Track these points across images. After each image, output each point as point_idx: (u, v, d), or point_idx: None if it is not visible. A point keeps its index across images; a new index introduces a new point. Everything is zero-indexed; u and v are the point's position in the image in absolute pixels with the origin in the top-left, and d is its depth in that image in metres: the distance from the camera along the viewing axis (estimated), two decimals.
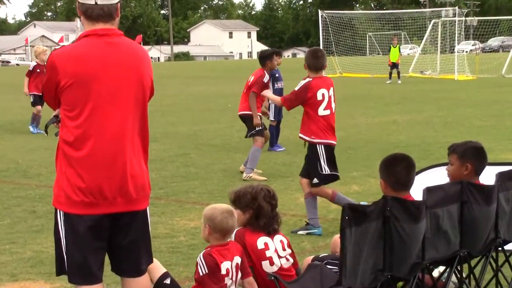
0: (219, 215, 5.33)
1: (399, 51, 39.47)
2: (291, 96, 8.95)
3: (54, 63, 4.50)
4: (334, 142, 8.89)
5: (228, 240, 5.39)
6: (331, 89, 8.86)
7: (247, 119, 12.74)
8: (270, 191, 5.73)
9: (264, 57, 13.18)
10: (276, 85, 15.30)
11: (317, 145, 8.82)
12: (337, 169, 8.99)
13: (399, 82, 38.30)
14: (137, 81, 4.63)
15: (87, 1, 4.58)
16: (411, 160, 5.45)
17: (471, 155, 5.85)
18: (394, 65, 39.10)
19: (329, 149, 8.84)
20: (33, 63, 19.05)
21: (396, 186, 5.33)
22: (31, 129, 19.15)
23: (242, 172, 12.74)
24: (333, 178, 8.98)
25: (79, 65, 4.47)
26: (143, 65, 4.70)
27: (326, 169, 8.83)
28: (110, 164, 4.51)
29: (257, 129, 12.66)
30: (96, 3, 4.57)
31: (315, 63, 8.84)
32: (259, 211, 5.60)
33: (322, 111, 8.75)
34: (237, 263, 5.30)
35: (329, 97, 8.78)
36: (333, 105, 8.86)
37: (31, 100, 18.97)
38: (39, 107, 18.74)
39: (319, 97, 8.72)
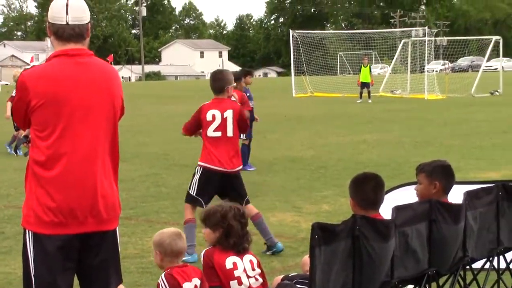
0: (167, 238, 5.40)
1: (370, 70, 39.68)
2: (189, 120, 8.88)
3: (25, 83, 4.49)
4: (215, 167, 8.62)
5: (185, 262, 5.45)
6: (230, 111, 8.65)
7: None
8: (240, 210, 5.73)
9: (236, 79, 13.20)
10: None
11: (197, 167, 8.70)
12: (206, 197, 8.65)
13: (370, 101, 38.50)
14: (108, 101, 4.64)
15: (58, 21, 4.58)
16: (380, 179, 5.49)
17: (439, 174, 5.91)
18: (364, 85, 39.28)
19: (207, 173, 8.63)
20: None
21: (365, 205, 5.36)
22: (8, 149, 19.05)
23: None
24: (197, 201, 8.69)
25: (50, 85, 4.47)
26: (114, 85, 4.71)
27: (194, 190, 8.66)
28: (81, 184, 4.51)
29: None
30: (67, 23, 4.58)
31: (213, 85, 8.82)
32: (229, 230, 5.60)
33: (211, 132, 8.64)
34: (195, 285, 5.32)
35: (223, 119, 8.60)
36: (229, 128, 8.62)
37: (14, 124, 18.79)
38: (22, 131, 18.55)
39: (209, 118, 8.62)
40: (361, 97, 39.51)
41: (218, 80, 8.80)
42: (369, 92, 39.35)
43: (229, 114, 8.63)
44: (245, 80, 15.04)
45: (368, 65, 39.95)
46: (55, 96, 4.47)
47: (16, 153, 18.91)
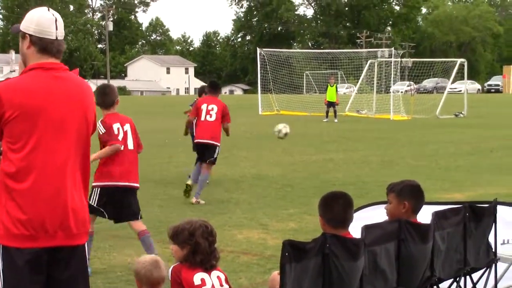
0: (142, 269, 5.42)
1: (336, 90, 39.92)
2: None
3: (0, 95, 4.48)
4: (114, 183, 8.66)
5: None
6: (128, 125, 8.76)
7: (211, 147, 13.78)
8: (208, 227, 5.72)
9: (219, 87, 14.70)
10: None
11: (95, 185, 8.62)
12: (103, 213, 8.69)
13: (336, 121, 38.71)
14: (82, 116, 4.65)
15: (47, 36, 4.59)
16: (349, 198, 5.53)
17: (408, 194, 5.97)
18: (330, 104, 39.48)
19: (107, 189, 8.63)
20: None
21: (334, 223, 5.39)
22: None
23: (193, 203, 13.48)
24: (98, 212, 8.67)
25: (25, 97, 4.46)
26: (88, 100, 4.73)
27: (94, 202, 8.59)
28: (52, 197, 4.50)
29: (215, 157, 13.89)
30: (56, 38, 4.60)
31: (105, 100, 8.73)
32: (196, 247, 5.60)
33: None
34: None
35: (124, 133, 8.68)
36: (129, 141, 8.72)
37: None
38: None
39: (115, 131, 8.65)
40: (327, 116, 39.70)
41: (109, 95, 8.77)
42: (335, 112, 39.57)
43: (127, 127, 8.72)
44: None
45: (335, 84, 40.20)
46: (30, 108, 4.46)
47: None
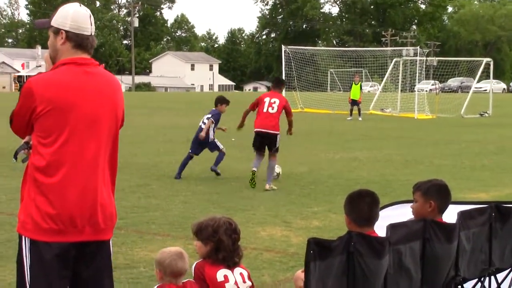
0: (168, 258, 5.40)
1: (361, 88, 39.84)
2: None
3: (32, 90, 4.49)
4: None
5: (185, 280, 5.43)
6: None
7: (273, 137, 15.00)
8: (232, 224, 5.72)
9: (283, 83, 16.12)
10: None
11: None
12: None
13: (360, 119, 38.61)
14: (112, 111, 4.67)
15: (83, 31, 4.62)
16: (375, 196, 5.51)
17: (434, 193, 5.94)
18: (354, 102, 39.40)
19: None
20: None
21: (359, 222, 5.38)
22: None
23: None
24: None
25: (58, 92, 4.48)
26: (118, 95, 4.75)
27: None
28: (82, 192, 4.51)
29: (277, 146, 15.13)
30: (91, 34, 4.63)
31: None
32: (219, 244, 5.60)
33: None
34: None
35: None
36: None
37: None
38: None
39: None
40: (351, 114, 39.60)
41: None
42: (359, 110, 39.46)
43: None
44: (220, 107, 16.44)
45: (359, 82, 40.12)
46: (62, 103, 4.48)
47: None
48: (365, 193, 5.55)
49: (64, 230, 4.47)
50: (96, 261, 4.63)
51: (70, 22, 4.60)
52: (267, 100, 15.06)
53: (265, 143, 15.14)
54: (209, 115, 16.29)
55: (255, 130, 15.27)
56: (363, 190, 5.68)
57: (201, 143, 16.46)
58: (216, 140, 16.51)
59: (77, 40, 4.61)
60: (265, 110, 14.96)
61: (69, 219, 4.48)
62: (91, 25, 4.66)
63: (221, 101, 16.43)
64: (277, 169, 15.99)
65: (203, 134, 16.14)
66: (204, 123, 16.29)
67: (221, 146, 16.47)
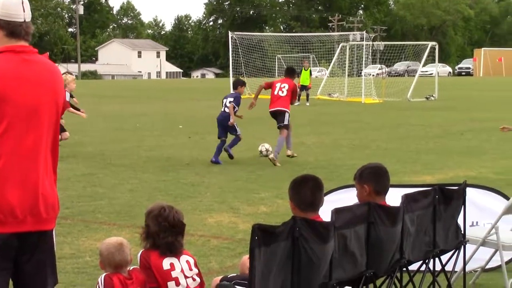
0: (105, 250, 5.38)
1: (310, 74, 39.97)
2: None
3: None
4: None
5: (131, 269, 5.39)
6: None
7: (282, 113, 17.04)
8: (165, 211, 5.55)
9: (295, 72, 18.37)
10: None
11: None
12: None
13: (307, 104, 38.74)
14: (52, 100, 4.59)
15: (15, 19, 4.50)
16: (319, 181, 5.52)
17: (366, 176, 5.97)
18: (303, 87, 39.53)
19: None
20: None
21: (303, 207, 5.39)
22: None
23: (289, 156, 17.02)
24: None
25: None
26: (58, 83, 4.67)
27: None
28: (22, 182, 4.43)
29: (286, 122, 16.94)
30: (24, 20, 4.52)
31: None
32: (148, 230, 5.55)
33: None
34: None
35: None
36: None
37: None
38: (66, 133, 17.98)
39: None
40: (299, 99, 39.68)
41: None
42: (307, 95, 39.59)
43: None
44: (240, 89, 17.78)
45: (309, 68, 40.26)
46: (0, 92, 4.38)
47: None
48: (309, 178, 5.56)
49: (4, 221, 4.40)
50: (38, 252, 4.56)
51: (1, 10, 4.51)
52: (278, 85, 17.23)
53: (276, 119, 17.18)
54: (231, 99, 17.07)
55: (269, 110, 17.39)
56: (307, 175, 5.69)
57: (223, 126, 17.09)
58: (236, 123, 17.18)
59: (9, 28, 4.51)
60: (275, 93, 17.12)
61: (9, 210, 4.40)
62: (24, 11, 4.55)
63: (240, 83, 17.75)
64: (267, 146, 17.68)
65: (232, 120, 16.95)
66: (227, 107, 17.00)
67: (239, 131, 17.18)
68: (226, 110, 17.01)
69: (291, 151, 17.29)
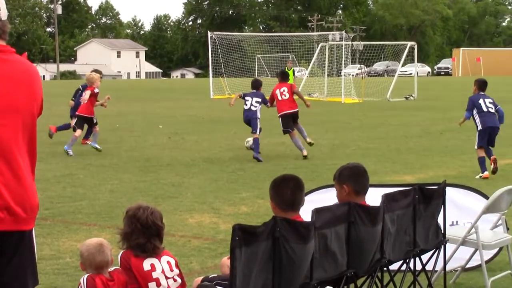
0: (86, 251, 5.38)
1: (293, 74, 40.05)
2: None
3: None
4: None
5: (112, 269, 5.38)
6: None
7: (296, 114, 18.26)
8: (139, 211, 5.52)
9: (287, 75, 19.85)
10: None
11: None
12: None
13: None
14: (29, 99, 4.56)
15: None
16: (299, 181, 5.53)
17: (346, 177, 5.99)
18: None
19: None
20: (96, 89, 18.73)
21: (284, 207, 5.40)
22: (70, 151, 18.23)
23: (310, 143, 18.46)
24: None
25: None
26: (35, 83, 4.63)
27: None
28: None
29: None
30: (0, 19, 4.50)
31: None
32: (122, 230, 5.54)
33: None
34: None
35: None
36: None
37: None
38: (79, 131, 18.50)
39: None
40: None
41: None
42: None
43: None
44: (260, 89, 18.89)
45: (292, 68, 40.31)
46: None
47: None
48: (288, 178, 5.58)
49: None
50: (18, 253, 4.52)
51: None
52: (277, 92, 18.32)
53: (291, 119, 18.23)
54: (258, 99, 18.16)
55: (280, 114, 18.23)
56: (287, 175, 5.70)
57: (248, 122, 18.22)
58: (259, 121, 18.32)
59: None
60: (280, 98, 18.22)
61: None
62: (0, 9, 4.53)
63: (260, 83, 19.01)
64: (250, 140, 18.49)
65: (259, 115, 18.22)
66: (255, 106, 18.05)
67: (258, 130, 18.07)
68: (253, 108, 18.04)
69: (308, 138, 18.66)
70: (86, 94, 18.53)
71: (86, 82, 19.34)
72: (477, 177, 14.63)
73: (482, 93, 15.21)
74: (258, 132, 17.96)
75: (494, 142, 15.09)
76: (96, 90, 18.71)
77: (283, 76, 19.36)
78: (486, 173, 14.73)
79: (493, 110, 15.05)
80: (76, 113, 19.11)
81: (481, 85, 15.40)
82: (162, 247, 5.59)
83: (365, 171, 6.07)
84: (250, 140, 18.55)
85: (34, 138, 4.63)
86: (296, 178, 5.57)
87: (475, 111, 14.97)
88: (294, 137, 18.12)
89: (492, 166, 14.71)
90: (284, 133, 18.43)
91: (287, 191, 5.42)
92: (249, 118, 18.09)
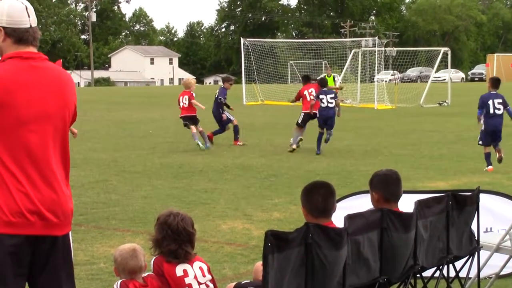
0: (119, 256, 5.43)
1: (334, 81, 40.08)
2: None
3: None
4: None
5: (145, 275, 5.41)
6: None
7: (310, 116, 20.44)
8: (169, 217, 5.53)
9: (310, 78, 22.57)
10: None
11: None
12: None
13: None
14: (60, 106, 4.59)
15: (21, 25, 4.53)
16: (330, 187, 5.52)
17: (376, 183, 5.98)
18: None
19: None
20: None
21: (316, 213, 5.39)
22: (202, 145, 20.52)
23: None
24: None
25: (2, 86, 4.40)
26: (67, 90, 4.66)
27: None
28: (31, 186, 4.44)
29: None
30: (30, 26, 4.55)
31: None
32: (153, 237, 5.55)
33: None
34: None
35: None
36: None
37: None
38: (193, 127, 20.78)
39: None
40: None
41: None
42: None
43: None
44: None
45: (332, 75, 40.28)
46: (6, 98, 4.40)
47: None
48: (320, 185, 5.57)
49: (13, 222, 4.39)
50: (52, 257, 4.55)
51: (6, 18, 4.52)
52: (306, 93, 21.03)
53: (309, 118, 20.70)
54: (332, 95, 20.24)
55: (305, 111, 20.75)
56: (318, 181, 5.70)
57: (326, 120, 20.15)
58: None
59: (16, 35, 4.53)
60: (308, 99, 20.73)
61: (18, 212, 4.39)
62: (29, 16, 4.56)
63: (326, 80, 22.07)
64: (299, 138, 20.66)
65: (340, 113, 21.15)
66: (331, 102, 20.06)
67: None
68: (330, 105, 19.96)
69: (295, 145, 20.37)
70: (185, 99, 20.71)
71: (183, 86, 21.58)
72: (484, 170, 16.18)
73: (494, 92, 16.31)
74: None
75: (497, 139, 16.36)
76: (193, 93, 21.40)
77: (307, 79, 22.39)
78: (490, 167, 16.26)
79: (500, 111, 16.14)
80: (180, 116, 21.20)
81: (494, 82, 16.64)
82: (194, 253, 5.60)
83: (397, 178, 6.03)
84: (296, 137, 20.54)
85: (66, 144, 4.66)
86: (327, 184, 5.56)
87: (484, 111, 16.17)
88: (300, 132, 20.54)
89: (497, 155, 16.28)
90: (297, 126, 20.73)
91: (318, 197, 5.41)
92: (328, 116, 19.98)
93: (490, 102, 16.04)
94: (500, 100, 16.08)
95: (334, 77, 40.35)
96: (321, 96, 19.87)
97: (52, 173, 4.54)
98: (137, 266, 5.41)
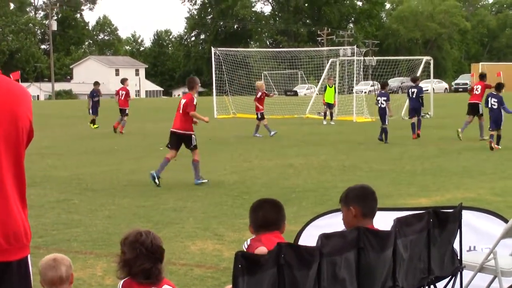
0: (40, 267, 5.47)
1: (335, 91, 40.37)
2: None
3: None
4: None
5: None
6: None
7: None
8: (141, 236, 5.49)
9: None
10: None
11: None
12: None
13: (332, 123, 38.89)
14: (10, 122, 4.50)
15: None
16: (275, 203, 6.17)
17: (352, 198, 6.02)
18: (328, 105, 39.89)
19: None
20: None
21: (257, 228, 6.11)
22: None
23: None
24: None
25: None
26: (19, 105, 4.56)
27: None
28: None
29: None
30: None
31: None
32: (123, 257, 5.53)
33: None
34: None
35: None
36: None
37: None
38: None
39: None
40: (325, 118, 39.85)
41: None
42: (331, 114, 39.87)
43: None
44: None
45: (333, 85, 40.47)
46: None
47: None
48: (263, 202, 6.31)
49: None
50: (4, 284, 4.52)
51: None
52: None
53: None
54: (385, 98, 27.54)
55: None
56: (263, 198, 6.43)
57: (380, 117, 27.33)
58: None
59: None
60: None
61: None
62: None
63: (387, 83, 29.19)
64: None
65: (392, 112, 27.45)
66: (383, 103, 27.14)
67: (387, 122, 27.52)
68: (382, 105, 27.22)
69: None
70: (260, 94, 29.98)
71: (257, 88, 30.14)
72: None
73: (494, 93, 24.50)
74: (387, 123, 27.22)
75: (494, 125, 24.21)
76: (259, 95, 29.90)
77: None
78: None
79: (495, 106, 24.09)
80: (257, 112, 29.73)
81: (497, 86, 24.86)
82: (162, 276, 5.60)
83: (373, 192, 6.09)
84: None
85: (21, 163, 4.58)
86: (271, 200, 6.21)
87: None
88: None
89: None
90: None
91: (260, 213, 6.10)
92: (381, 114, 27.20)
93: (489, 99, 24.69)
94: (496, 100, 24.14)
95: (335, 88, 40.73)
96: (377, 98, 27.00)
97: (3, 193, 4.49)
98: (56, 277, 5.43)
